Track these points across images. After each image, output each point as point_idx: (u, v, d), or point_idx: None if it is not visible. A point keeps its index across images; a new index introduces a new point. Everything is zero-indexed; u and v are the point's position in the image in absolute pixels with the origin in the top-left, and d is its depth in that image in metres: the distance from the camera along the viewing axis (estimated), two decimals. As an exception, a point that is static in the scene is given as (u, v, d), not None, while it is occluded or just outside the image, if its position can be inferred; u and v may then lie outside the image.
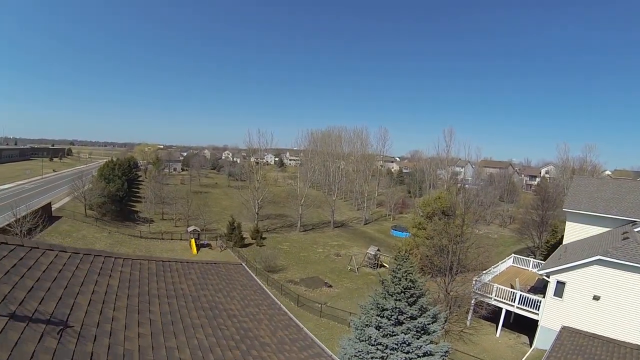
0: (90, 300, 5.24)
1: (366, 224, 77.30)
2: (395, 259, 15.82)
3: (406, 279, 16.44)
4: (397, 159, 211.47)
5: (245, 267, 13.44)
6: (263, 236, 58.51)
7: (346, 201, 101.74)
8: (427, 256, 35.54)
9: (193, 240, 51.94)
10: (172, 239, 55.99)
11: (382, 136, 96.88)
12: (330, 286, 40.20)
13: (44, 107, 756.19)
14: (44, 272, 5.20)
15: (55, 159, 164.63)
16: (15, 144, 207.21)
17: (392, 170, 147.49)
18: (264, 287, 11.79)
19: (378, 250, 47.99)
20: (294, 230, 66.81)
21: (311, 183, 79.84)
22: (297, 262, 49.11)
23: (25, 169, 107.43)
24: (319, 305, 33.49)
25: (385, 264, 47.31)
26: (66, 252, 6.26)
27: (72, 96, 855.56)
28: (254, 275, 12.73)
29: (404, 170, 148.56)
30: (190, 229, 54.21)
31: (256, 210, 66.08)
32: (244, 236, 56.08)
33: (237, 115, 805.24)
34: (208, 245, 53.80)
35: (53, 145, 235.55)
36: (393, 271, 16.99)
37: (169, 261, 8.83)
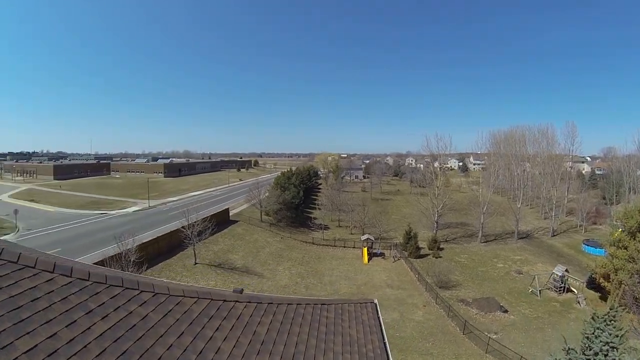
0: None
1: (554, 235, 72.41)
2: (592, 319, 10.35)
3: (605, 355, 10.77)
4: (588, 158, 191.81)
5: (376, 307, 10.50)
6: (440, 246, 58.74)
7: (532, 208, 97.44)
8: (631, 289, 30.10)
9: (365, 249, 53.84)
10: (344, 247, 59.45)
11: (570, 133, 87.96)
12: (506, 311, 37.76)
13: (237, 126, 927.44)
14: None
15: (242, 170, 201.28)
16: (209, 158, 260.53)
17: (583, 172, 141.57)
18: (386, 347, 8.51)
19: (566, 270, 44.11)
20: (475, 241, 65.72)
21: (494, 188, 79.00)
22: (472, 278, 47.63)
23: (214, 179, 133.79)
24: (488, 336, 31.02)
25: (573, 289, 42.94)
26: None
27: (261, 114, 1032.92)
28: (381, 324, 9.57)
29: (596, 172, 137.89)
30: (364, 237, 56.19)
31: (435, 219, 66.88)
32: (421, 246, 56.83)
33: (419, 120, 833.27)
34: (381, 254, 55.30)
35: (241, 158, 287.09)
36: (586, 337, 11.55)
37: (236, 301, 6.66)
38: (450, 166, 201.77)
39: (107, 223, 58.40)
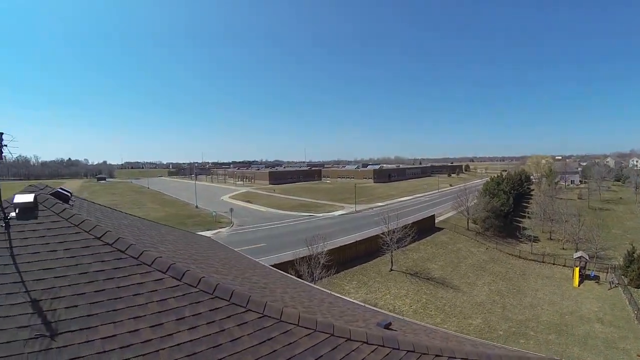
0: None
1: None
2: None
3: None
4: None
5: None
6: (671, 274, 50.30)
7: None
8: None
9: (577, 270, 49.71)
10: (553, 264, 56.31)
11: None
12: None
13: (448, 129, 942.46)
14: None
15: (452, 175, 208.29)
16: (420, 164, 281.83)
17: None
18: None
19: None
20: None
21: None
22: None
23: (423, 184, 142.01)
24: None
25: None
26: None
27: (471, 117, 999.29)
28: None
29: None
30: (577, 254, 51.80)
31: (667, 236, 61.04)
32: (646, 272, 50.03)
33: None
34: (596, 278, 50.46)
35: (452, 163, 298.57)
36: None
37: (363, 342, 5.83)
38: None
39: (312, 224, 65.39)
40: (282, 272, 13.81)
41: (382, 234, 45.73)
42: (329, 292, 11.98)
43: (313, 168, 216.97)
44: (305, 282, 13.92)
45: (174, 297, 5.17)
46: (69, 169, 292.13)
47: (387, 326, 7.04)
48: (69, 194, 7.66)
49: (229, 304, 5.34)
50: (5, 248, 5.49)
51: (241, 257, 13.77)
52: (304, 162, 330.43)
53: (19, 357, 4.07)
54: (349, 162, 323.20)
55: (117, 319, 4.64)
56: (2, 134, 5.88)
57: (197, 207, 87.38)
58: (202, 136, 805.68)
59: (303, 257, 32.85)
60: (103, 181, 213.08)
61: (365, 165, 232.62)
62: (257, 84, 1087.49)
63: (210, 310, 5.13)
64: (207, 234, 49.17)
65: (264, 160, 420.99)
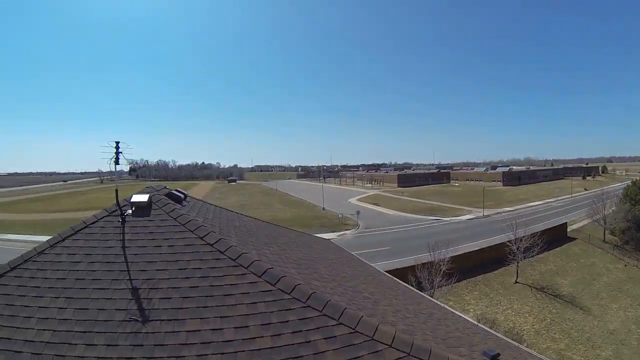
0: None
1: None
2: None
3: None
4: None
5: None
6: None
7: None
8: None
9: None
10: None
11: None
12: None
13: (583, 132, 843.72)
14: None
15: (587, 178, 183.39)
16: (552, 165, 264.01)
17: None
18: None
19: None
20: None
21: None
22: None
23: (555, 188, 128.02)
24: None
25: None
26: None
27: (608, 119, 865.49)
28: None
29: None
30: None
31: None
32: None
33: None
34: None
35: (587, 164, 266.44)
36: None
37: None
38: None
39: (438, 229, 62.85)
40: (395, 279, 13.17)
41: (509, 242, 42.67)
42: (442, 305, 11.07)
43: (442, 170, 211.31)
44: (418, 292, 13.05)
45: (264, 302, 5.11)
46: (202, 171, 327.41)
47: (495, 358, 6.00)
48: (182, 195, 8.20)
49: (320, 314, 5.01)
50: (119, 240, 6.16)
51: (356, 261, 13.47)
52: (432, 165, 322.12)
53: (111, 335, 4.64)
54: (477, 164, 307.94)
55: (204, 316, 4.90)
56: (118, 142, 6.41)
57: (323, 209, 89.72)
58: (331, 139, 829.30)
59: (424, 264, 31.58)
60: (233, 183, 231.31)
61: (494, 167, 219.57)
62: (386, 87, 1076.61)
63: (299, 319, 4.90)
64: (332, 235, 50.56)
65: (393, 162, 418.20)
